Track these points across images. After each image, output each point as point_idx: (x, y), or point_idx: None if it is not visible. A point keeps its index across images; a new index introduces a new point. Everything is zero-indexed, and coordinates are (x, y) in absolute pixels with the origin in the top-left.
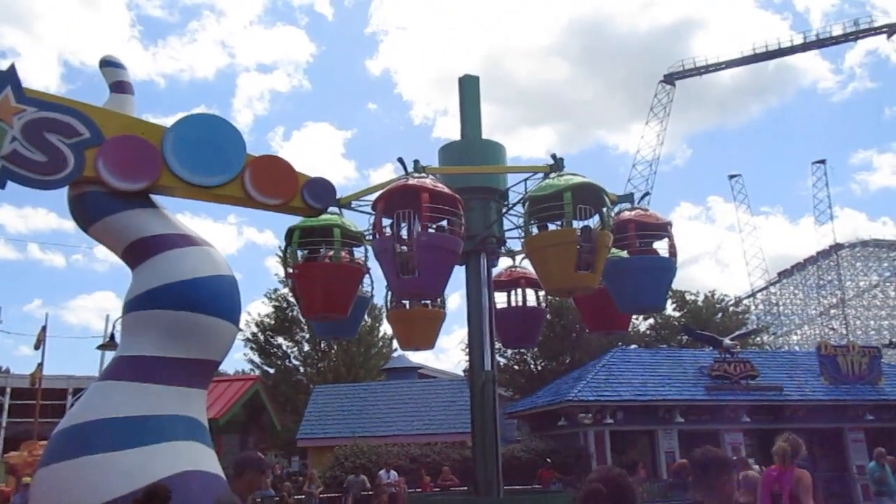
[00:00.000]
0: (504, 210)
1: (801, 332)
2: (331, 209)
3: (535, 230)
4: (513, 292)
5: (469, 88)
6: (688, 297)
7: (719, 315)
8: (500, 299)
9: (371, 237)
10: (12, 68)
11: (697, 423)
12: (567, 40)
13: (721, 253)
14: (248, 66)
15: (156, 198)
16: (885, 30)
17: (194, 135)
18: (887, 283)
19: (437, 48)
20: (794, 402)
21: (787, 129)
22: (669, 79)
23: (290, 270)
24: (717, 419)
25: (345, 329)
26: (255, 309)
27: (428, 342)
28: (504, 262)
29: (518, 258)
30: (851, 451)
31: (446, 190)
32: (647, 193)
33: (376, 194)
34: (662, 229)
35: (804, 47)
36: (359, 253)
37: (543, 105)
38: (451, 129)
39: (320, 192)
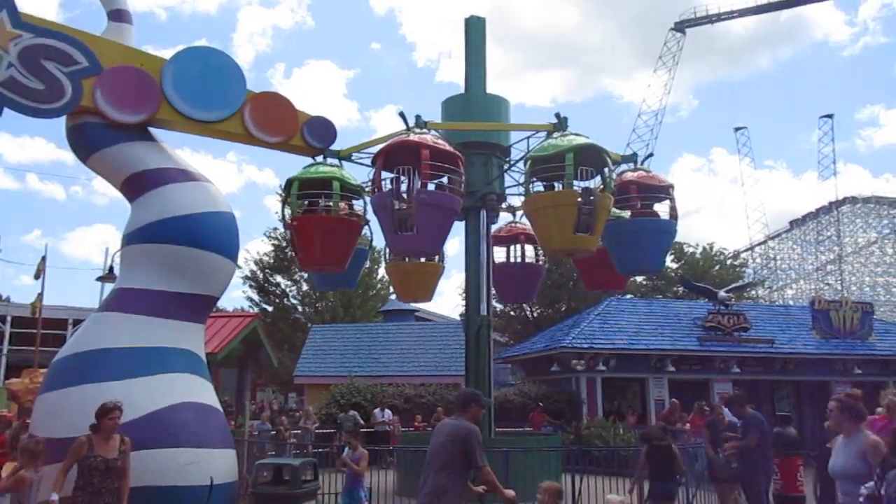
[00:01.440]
0: (506, 167)
1: (797, 286)
2: (330, 161)
3: (536, 188)
4: (512, 248)
5: (475, 30)
6: (686, 248)
7: (717, 267)
8: (499, 254)
9: (370, 191)
10: None
11: (688, 372)
12: None
13: (722, 206)
14: (250, 0)
15: (154, 131)
16: None
17: (194, 68)
18: (885, 241)
19: None
20: (785, 355)
21: (795, 81)
22: (680, 26)
23: (289, 222)
24: (707, 369)
25: (344, 280)
26: (255, 247)
27: (426, 295)
28: (504, 217)
29: (518, 214)
30: None
31: (447, 147)
32: (650, 154)
33: (377, 147)
34: (664, 191)
35: None
36: (358, 205)
37: (550, 50)
38: (455, 73)
39: (321, 132)
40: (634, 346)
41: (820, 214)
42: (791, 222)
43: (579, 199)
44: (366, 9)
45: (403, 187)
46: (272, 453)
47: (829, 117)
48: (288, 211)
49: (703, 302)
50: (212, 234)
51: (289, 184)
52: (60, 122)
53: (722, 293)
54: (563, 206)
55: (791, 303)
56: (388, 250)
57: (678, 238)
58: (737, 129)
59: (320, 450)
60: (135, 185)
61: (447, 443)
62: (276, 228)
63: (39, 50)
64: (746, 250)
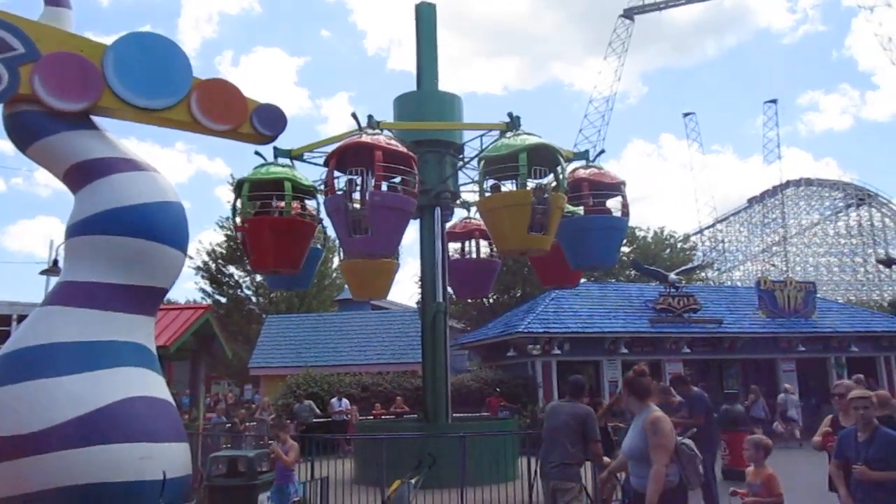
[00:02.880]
0: (460, 165)
1: (744, 268)
2: (282, 161)
3: (489, 188)
4: (466, 243)
5: (426, 17)
6: (638, 233)
7: (667, 251)
8: (454, 248)
9: (324, 192)
10: None
11: (641, 353)
12: None
13: (672, 190)
14: None
15: (98, 120)
16: None
17: (137, 54)
18: (827, 222)
19: None
20: (733, 334)
21: (739, 67)
22: (629, 13)
23: (240, 224)
24: (659, 350)
25: (298, 281)
26: (207, 238)
27: (381, 292)
28: (459, 213)
29: (472, 210)
30: (782, 379)
31: (400, 148)
32: (601, 151)
33: (329, 147)
34: (616, 189)
35: None
36: (310, 204)
37: (501, 37)
38: (405, 61)
39: (271, 119)
40: (588, 329)
41: (765, 197)
42: (749, 200)
43: (533, 199)
44: None
45: (357, 189)
46: (227, 446)
47: (773, 102)
48: (239, 212)
49: (655, 285)
50: (160, 224)
51: (239, 185)
52: None
53: (672, 276)
54: (517, 206)
55: (738, 284)
56: (341, 249)
57: (630, 222)
58: (685, 115)
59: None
60: (78, 175)
61: (570, 421)
62: (228, 218)
63: None
64: (696, 233)
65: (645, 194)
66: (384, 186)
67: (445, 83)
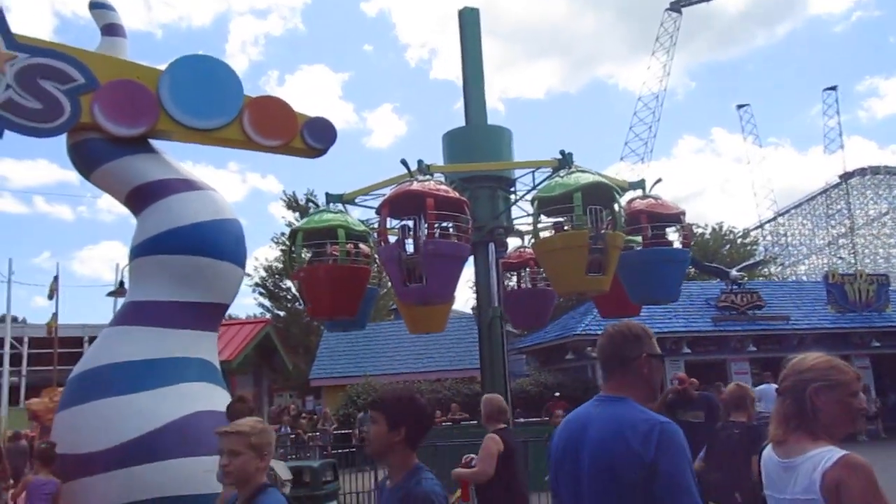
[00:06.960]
0: (512, 201)
1: (809, 262)
2: (335, 206)
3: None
4: (522, 272)
5: (469, 21)
6: (695, 229)
7: (727, 247)
8: (509, 278)
9: (376, 242)
10: (0, 13)
11: (704, 353)
12: None
13: (727, 185)
14: (241, 11)
15: (156, 143)
16: None
17: (190, 77)
18: None
19: None
20: (801, 331)
21: (792, 57)
22: (676, 6)
23: (296, 273)
24: (723, 349)
25: (354, 324)
26: (263, 254)
27: (437, 327)
28: (514, 242)
29: (527, 238)
30: None
31: (452, 193)
32: (658, 180)
33: (381, 191)
34: (675, 219)
35: None
36: (364, 247)
37: (543, 40)
38: (446, 71)
39: (321, 132)
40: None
41: (829, 188)
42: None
43: (589, 240)
44: (357, 12)
45: (410, 237)
46: (293, 457)
47: (832, 89)
48: (294, 261)
49: (716, 282)
50: (218, 241)
51: (293, 234)
52: (62, 143)
53: (734, 272)
54: (574, 248)
55: (804, 278)
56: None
57: (687, 219)
58: (739, 107)
59: (339, 451)
60: (139, 198)
61: None
62: (283, 233)
63: (36, 70)
64: (756, 228)
65: (699, 190)
66: (437, 234)
67: (487, 90)
